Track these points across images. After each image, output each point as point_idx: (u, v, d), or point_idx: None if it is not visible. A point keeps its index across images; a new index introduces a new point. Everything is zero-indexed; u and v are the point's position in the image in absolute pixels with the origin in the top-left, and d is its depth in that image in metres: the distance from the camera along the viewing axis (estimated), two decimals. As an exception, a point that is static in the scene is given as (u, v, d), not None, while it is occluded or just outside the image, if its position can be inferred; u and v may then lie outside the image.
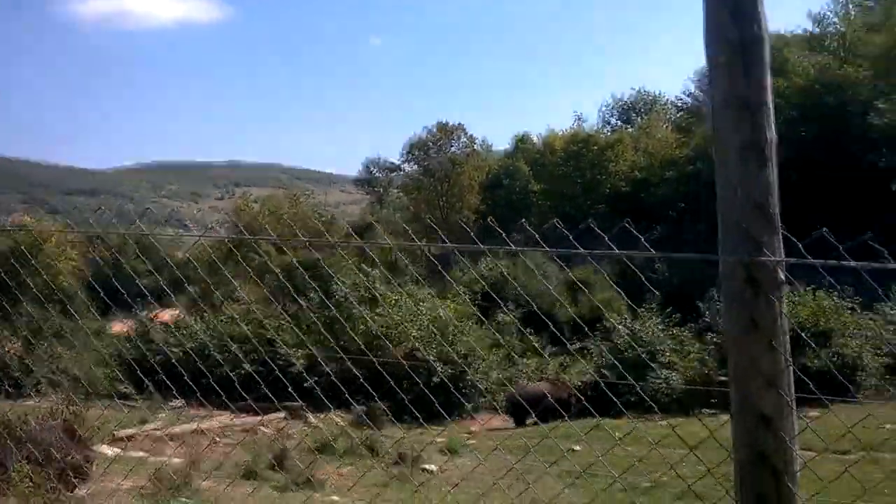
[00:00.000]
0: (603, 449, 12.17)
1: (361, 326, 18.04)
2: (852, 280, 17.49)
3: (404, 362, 14.27)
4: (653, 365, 17.03)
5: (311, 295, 19.01)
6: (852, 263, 1.88)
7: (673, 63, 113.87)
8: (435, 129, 56.29)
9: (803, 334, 15.68)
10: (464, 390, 17.69)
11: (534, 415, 15.61)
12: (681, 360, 17.90)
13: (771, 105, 1.84)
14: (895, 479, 8.08)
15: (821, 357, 15.40)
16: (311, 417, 14.83)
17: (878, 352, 16.34)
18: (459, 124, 57.35)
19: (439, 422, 15.17)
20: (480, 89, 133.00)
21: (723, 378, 15.87)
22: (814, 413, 14.36)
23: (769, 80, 1.83)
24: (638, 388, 13.63)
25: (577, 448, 12.64)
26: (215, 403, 11.70)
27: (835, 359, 15.61)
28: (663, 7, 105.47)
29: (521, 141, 60.39)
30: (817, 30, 45.77)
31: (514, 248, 2.87)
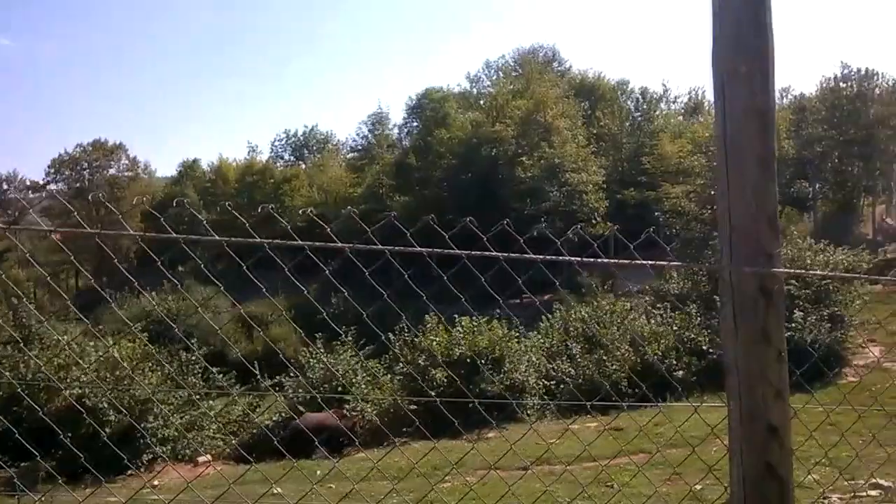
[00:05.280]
0: (301, 491, 11.77)
1: (9, 373, 15.03)
2: (515, 313, 19.96)
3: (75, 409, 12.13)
4: (348, 398, 17.12)
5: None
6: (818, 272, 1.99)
7: (344, 105, 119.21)
8: (90, 147, 50.32)
9: (480, 361, 17.33)
10: (142, 440, 15.68)
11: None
12: (373, 392, 18.28)
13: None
14: (565, 484, 9.19)
15: (496, 382, 17.02)
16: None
17: (539, 375, 18.62)
18: (120, 144, 52.19)
19: (113, 478, 13.43)
20: (139, 109, 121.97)
21: (413, 407, 16.65)
22: (491, 434, 15.75)
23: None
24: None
25: (278, 490, 12.07)
26: None
27: (507, 382, 17.33)
28: (337, 50, 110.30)
29: (190, 167, 57.23)
30: (474, 90, 52.01)
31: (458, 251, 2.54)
